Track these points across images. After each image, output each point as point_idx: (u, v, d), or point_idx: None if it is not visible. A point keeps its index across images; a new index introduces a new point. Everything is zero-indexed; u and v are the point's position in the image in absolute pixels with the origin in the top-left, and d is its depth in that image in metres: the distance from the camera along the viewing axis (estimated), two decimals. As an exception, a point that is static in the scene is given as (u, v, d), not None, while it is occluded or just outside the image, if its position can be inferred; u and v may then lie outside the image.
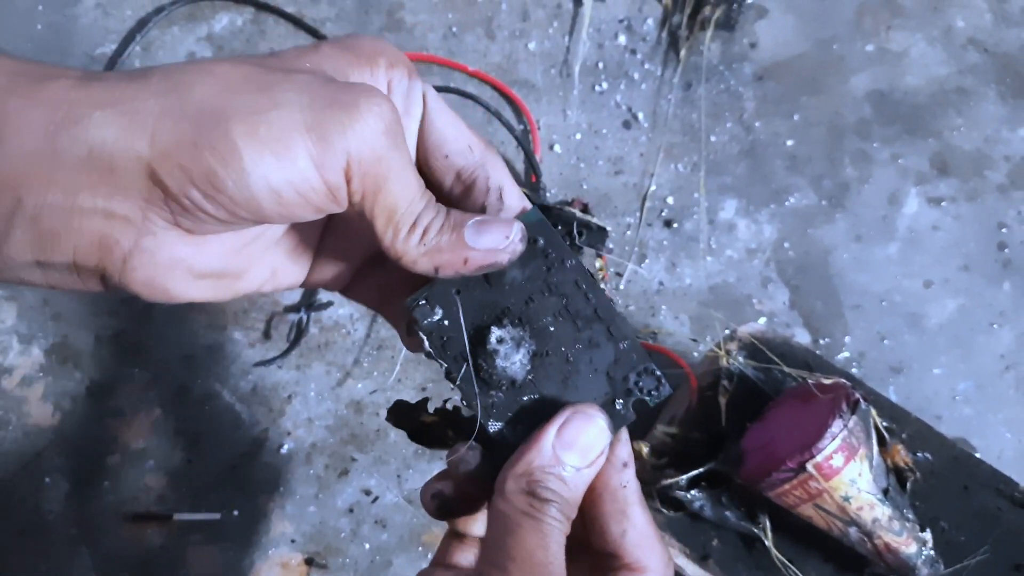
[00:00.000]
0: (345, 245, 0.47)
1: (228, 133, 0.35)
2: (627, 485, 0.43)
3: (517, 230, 0.41)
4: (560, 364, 0.43)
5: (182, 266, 0.39)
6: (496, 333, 0.42)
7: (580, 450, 0.42)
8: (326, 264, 0.47)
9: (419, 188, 0.40)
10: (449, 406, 0.47)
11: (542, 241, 0.43)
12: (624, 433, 0.44)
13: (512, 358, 0.42)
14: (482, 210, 0.43)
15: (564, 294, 0.43)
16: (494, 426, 0.43)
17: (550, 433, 0.41)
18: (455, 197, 0.44)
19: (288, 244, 0.46)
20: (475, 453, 0.43)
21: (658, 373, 0.44)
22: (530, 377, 0.43)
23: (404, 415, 0.47)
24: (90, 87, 0.36)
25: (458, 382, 0.42)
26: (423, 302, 0.42)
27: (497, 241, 0.41)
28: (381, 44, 0.42)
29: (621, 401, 0.43)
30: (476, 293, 0.43)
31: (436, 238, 0.40)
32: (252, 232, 0.43)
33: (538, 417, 0.42)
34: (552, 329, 0.43)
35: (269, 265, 0.45)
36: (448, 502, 0.44)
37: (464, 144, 0.44)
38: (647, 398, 0.43)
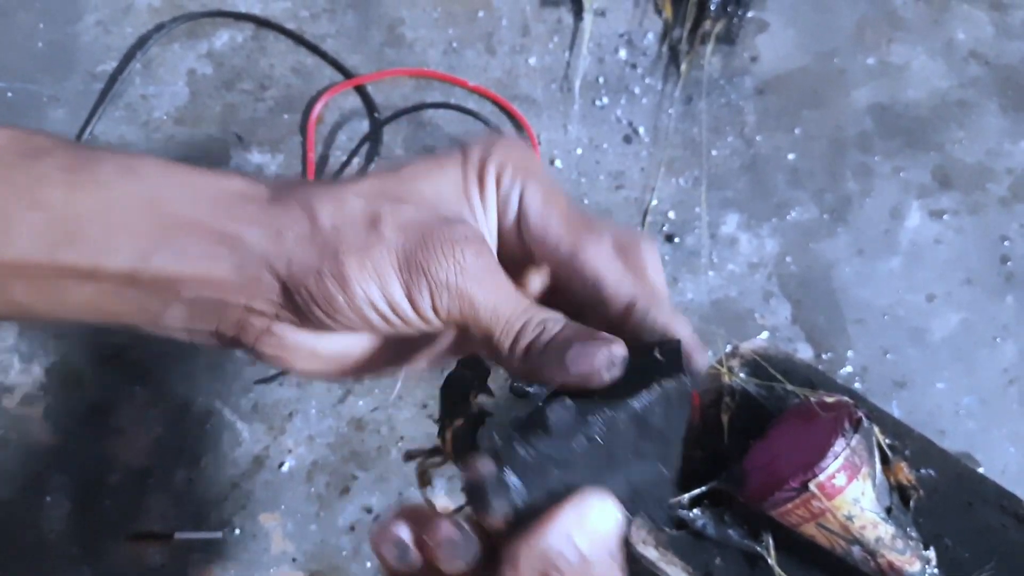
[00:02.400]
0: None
1: (342, 266, 0.41)
2: None
3: (603, 360, 0.40)
4: (603, 457, 0.39)
5: (306, 349, 0.45)
6: (558, 411, 0.38)
7: (590, 537, 0.39)
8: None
9: (514, 308, 0.42)
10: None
11: (664, 347, 0.41)
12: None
13: (573, 437, 0.38)
14: (581, 314, 0.43)
15: (653, 401, 0.40)
16: (514, 482, 0.37)
17: (567, 512, 0.38)
18: (562, 300, 0.45)
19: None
20: (472, 545, 0.39)
21: (666, 509, 0.44)
22: (572, 455, 0.38)
23: (458, 393, 0.44)
24: (247, 207, 0.42)
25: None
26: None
27: (589, 367, 0.40)
28: (494, 150, 0.45)
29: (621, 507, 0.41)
30: None
31: (540, 356, 0.41)
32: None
33: (555, 495, 0.39)
34: (620, 426, 0.39)
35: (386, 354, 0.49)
36: (407, 551, 0.40)
37: (553, 243, 0.45)
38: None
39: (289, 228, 0.42)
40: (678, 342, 0.41)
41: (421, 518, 0.41)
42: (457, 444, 0.43)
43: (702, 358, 0.45)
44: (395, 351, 0.49)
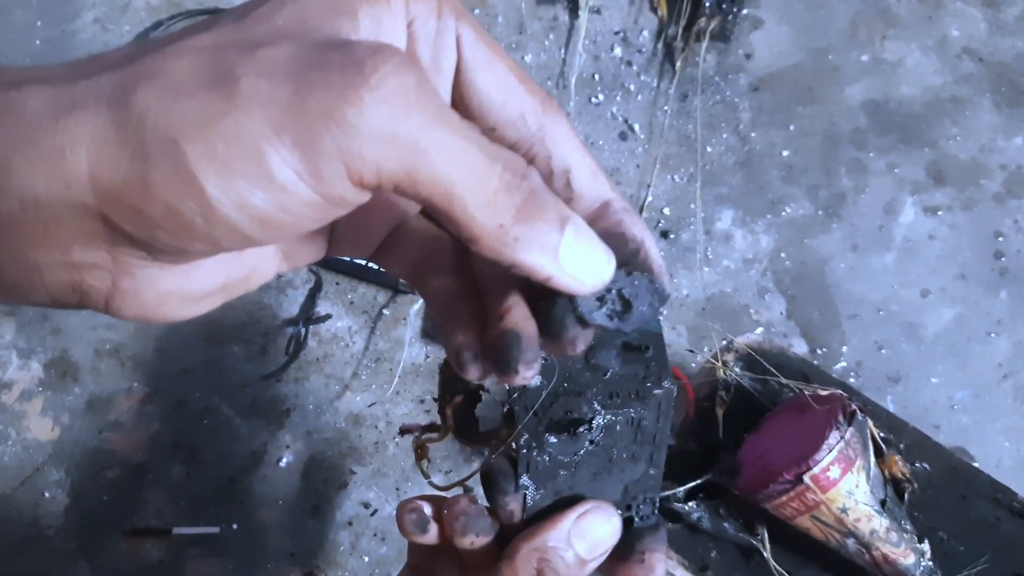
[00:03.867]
0: (370, 211, 0.34)
1: (180, 158, 0.26)
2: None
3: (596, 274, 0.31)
4: (603, 461, 0.43)
5: (175, 296, 0.32)
6: (580, 415, 0.40)
7: (590, 543, 0.42)
8: (349, 234, 0.37)
9: (477, 144, 0.28)
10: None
11: (651, 351, 0.41)
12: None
13: (579, 442, 0.41)
14: None
15: (645, 407, 0.42)
16: (526, 484, 0.42)
17: (570, 517, 0.41)
18: None
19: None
20: (488, 523, 0.42)
21: (657, 504, 0.45)
22: (576, 459, 0.42)
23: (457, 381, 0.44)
24: (3, 121, 0.27)
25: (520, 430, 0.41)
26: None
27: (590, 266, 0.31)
28: None
29: (619, 512, 0.44)
30: (571, 364, 0.40)
31: (531, 230, 0.29)
32: None
33: (561, 497, 0.43)
34: (618, 429, 0.42)
35: (278, 254, 0.36)
36: (427, 522, 0.43)
37: (515, 112, 0.33)
38: (636, 518, 0.45)
39: (76, 134, 0.27)
40: (660, 335, 0.42)
41: (442, 501, 0.43)
42: (459, 420, 0.44)
43: (668, 285, 0.36)
44: (295, 245, 0.37)
